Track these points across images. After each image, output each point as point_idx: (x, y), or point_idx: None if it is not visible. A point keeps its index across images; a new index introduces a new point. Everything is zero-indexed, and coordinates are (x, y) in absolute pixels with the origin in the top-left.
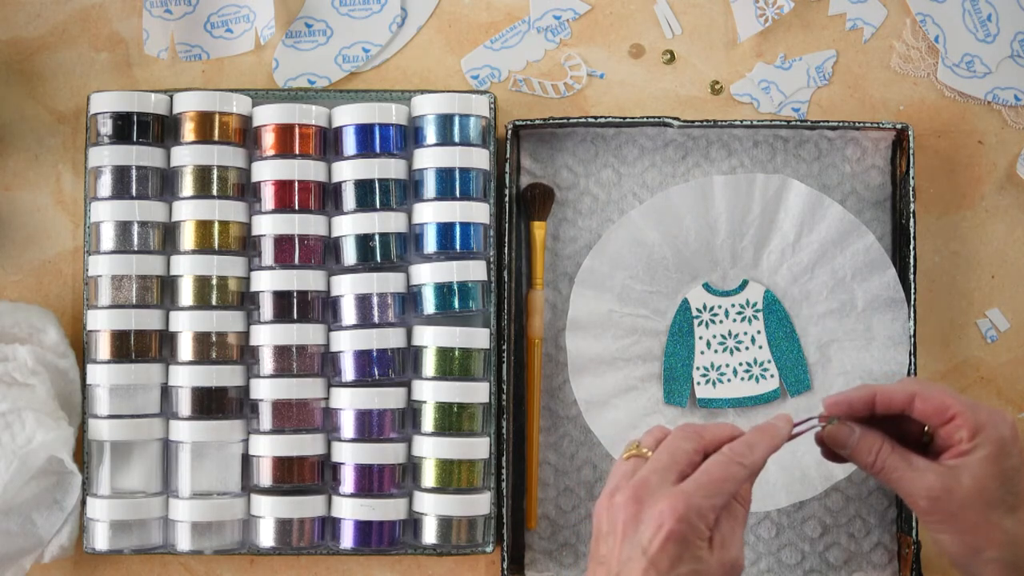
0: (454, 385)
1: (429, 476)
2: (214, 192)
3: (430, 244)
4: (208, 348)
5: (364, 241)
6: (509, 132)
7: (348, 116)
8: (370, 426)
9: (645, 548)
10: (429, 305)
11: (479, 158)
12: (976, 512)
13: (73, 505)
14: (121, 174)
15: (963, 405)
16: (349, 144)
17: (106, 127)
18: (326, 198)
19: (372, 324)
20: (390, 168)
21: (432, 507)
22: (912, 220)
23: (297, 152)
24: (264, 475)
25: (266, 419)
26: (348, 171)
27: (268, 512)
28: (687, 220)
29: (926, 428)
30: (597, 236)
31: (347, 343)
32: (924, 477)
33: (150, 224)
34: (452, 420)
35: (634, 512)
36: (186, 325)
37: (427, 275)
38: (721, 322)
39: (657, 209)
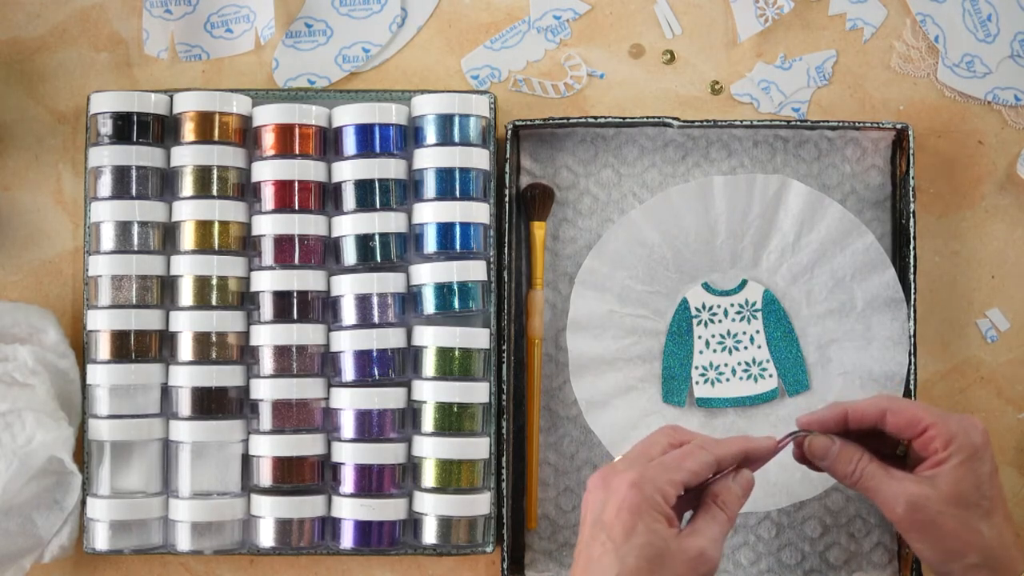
0: (454, 385)
1: (429, 476)
2: (214, 192)
3: (430, 244)
4: (208, 348)
5: (364, 241)
6: (509, 132)
7: (348, 116)
8: (370, 426)
9: (603, 521)
10: (429, 305)
11: (479, 158)
12: (954, 518)
13: (73, 505)
14: (121, 174)
15: (935, 416)
16: (349, 144)
17: (106, 127)
18: (326, 198)
19: (372, 324)
20: (390, 168)
21: (432, 507)
22: (912, 220)
23: (297, 152)
24: (264, 475)
25: (266, 419)
26: (348, 171)
27: (268, 512)
28: (687, 220)
29: (901, 443)
30: (597, 236)
31: (347, 343)
32: (903, 485)
33: (150, 224)
34: (452, 420)
35: (600, 496)
36: (186, 325)
37: (427, 275)
38: (720, 321)
39: (657, 209)
